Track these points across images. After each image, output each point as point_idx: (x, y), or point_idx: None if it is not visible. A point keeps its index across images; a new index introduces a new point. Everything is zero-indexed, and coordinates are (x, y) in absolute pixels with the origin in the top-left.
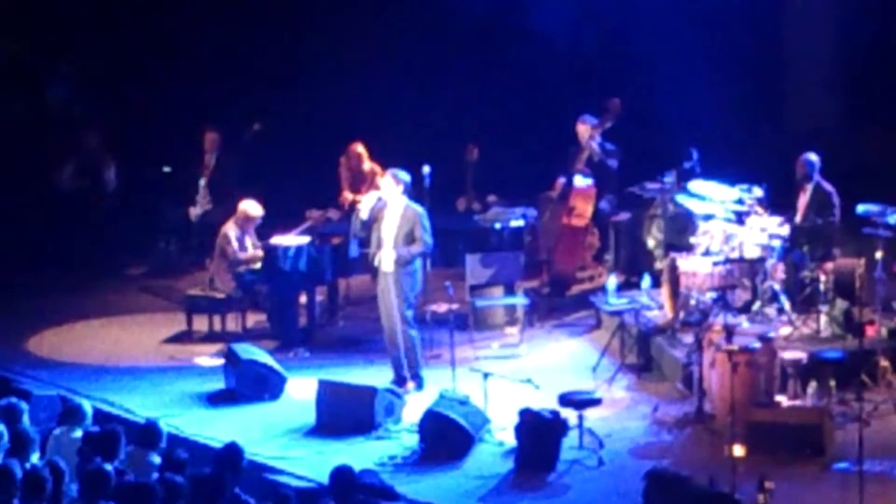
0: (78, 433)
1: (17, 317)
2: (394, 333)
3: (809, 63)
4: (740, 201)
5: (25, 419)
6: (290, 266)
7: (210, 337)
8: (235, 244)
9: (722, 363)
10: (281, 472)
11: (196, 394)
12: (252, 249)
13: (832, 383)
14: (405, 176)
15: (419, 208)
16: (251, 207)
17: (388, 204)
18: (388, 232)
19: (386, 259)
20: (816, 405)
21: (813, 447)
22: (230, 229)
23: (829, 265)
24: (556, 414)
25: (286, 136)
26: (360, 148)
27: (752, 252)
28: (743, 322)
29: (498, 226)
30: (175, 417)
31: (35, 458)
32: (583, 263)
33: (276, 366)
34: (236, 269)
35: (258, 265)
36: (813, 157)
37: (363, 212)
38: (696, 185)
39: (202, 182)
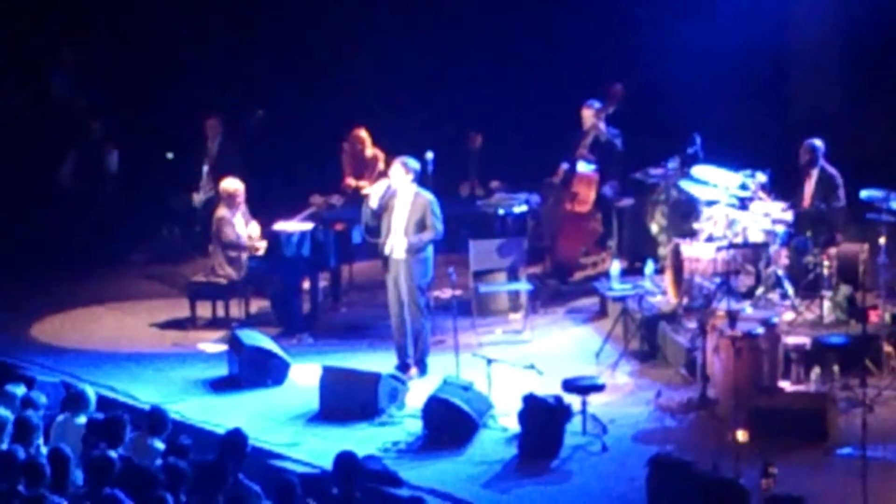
0: (82, 420)
1: (21, 303)
2: (401, 321)
3: (813, 48)
4: (744, 186)
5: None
6: (293, 252)
7: (213, 323)
8: (233, 226)
9: (725, 349)
10: (285, 458)
11: (199, 380)
12: (249, 232)
13: (835, 369)
14: (415, 164)
15: (430, 196)
16: (231, 184)
17: (398, 192)
18: (399, 220)
19: (397, 246)
20: (820, 391)
21: (816, 433)
22: (223, 212)
23: (833, 250)
24: (559, 400)
25: (289, 122)
26: (362, 134)
27: (755, 237)
28: (746, 307)
29: (501, 212)
30: (178, 404)
31: (39, 444)
32: (586, 249)
33: (280, 352)
34: (231, 253)
35: (261, 251)
36: (818, 142)
37: (373, 200)
38: (699, 170)
39: (205, 168)
